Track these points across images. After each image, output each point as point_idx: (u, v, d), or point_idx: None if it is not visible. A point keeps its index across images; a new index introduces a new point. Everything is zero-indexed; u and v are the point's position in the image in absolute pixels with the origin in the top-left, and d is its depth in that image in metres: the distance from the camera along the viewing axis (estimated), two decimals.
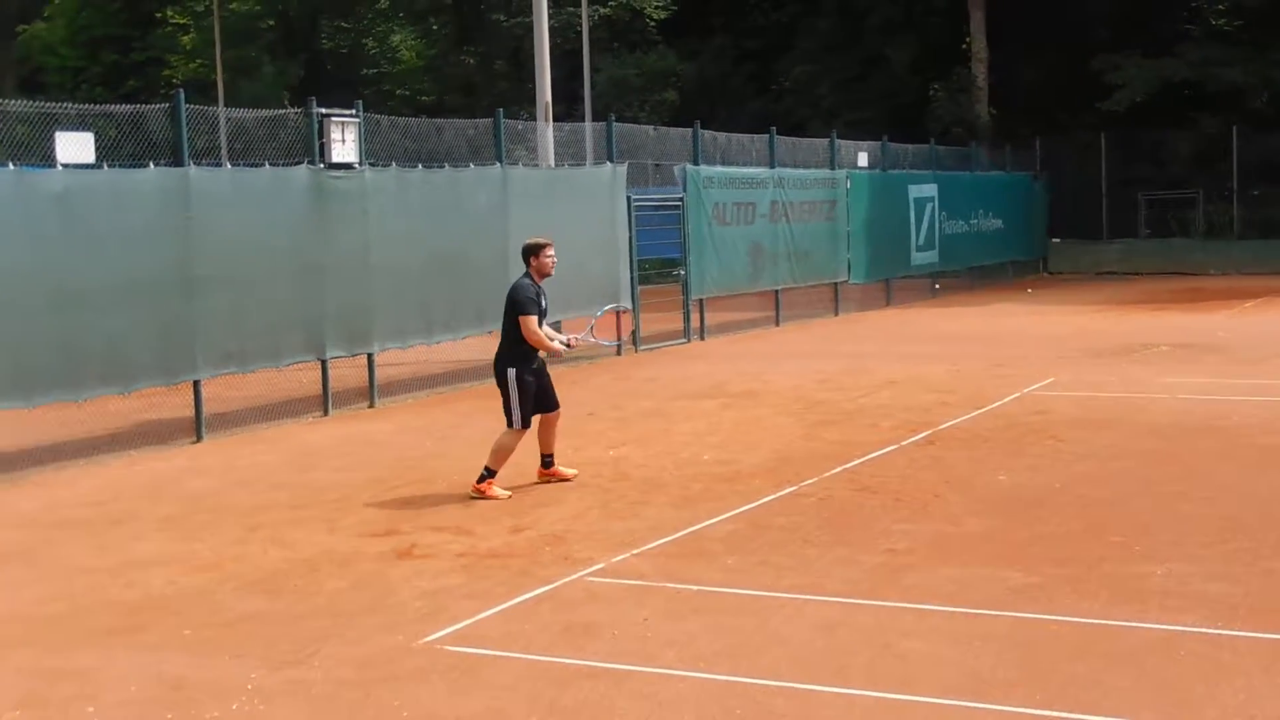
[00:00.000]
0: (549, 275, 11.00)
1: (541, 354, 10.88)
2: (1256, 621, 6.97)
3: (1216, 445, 11.76)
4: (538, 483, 11.04)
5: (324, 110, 15.17)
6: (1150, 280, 32.90)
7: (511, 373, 10.71)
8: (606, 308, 12.36)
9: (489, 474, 10.68)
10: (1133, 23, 39.58)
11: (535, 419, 10.90)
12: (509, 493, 10.63)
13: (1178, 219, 37.00)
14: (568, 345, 11.03)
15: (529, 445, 11.00)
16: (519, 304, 10.67)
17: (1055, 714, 5.87)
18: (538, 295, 10.73)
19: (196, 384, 13.77)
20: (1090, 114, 37.47)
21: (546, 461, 11.19)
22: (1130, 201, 37.41)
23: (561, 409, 11.19)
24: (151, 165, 13.44)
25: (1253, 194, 36.17)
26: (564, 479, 11.11)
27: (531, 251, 10.94)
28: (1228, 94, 35.66)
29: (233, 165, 15.54)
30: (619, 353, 20.28)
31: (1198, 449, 11.63)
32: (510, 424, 10.73)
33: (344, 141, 15.24)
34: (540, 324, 10.71)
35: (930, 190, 30.28)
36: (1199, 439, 12.07)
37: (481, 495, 10.58)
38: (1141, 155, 37.13)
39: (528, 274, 10.90)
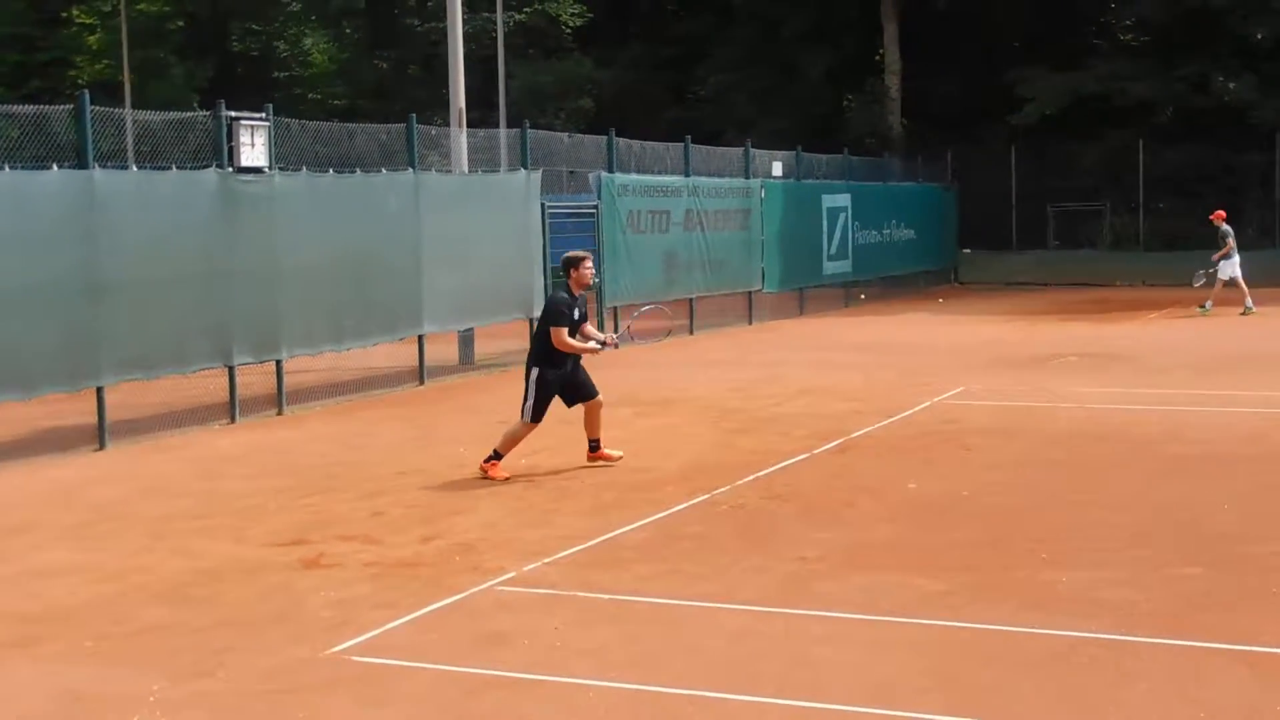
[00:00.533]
0: (587, 285, 11.86)
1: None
2: (1159, 628, 7.06)
3: (1122, 454, 11.92)
4: (585, 465, 11.82)
5: (233, 113, 14.96)
6: (1059, 291, 33.36)
7: (535, 371, 11.67)
8: (646, 308, 13.70)
9: (496, 456, 11.52)
10: (1043, 37, 40.24)
11: (579, 408, 11.87)
12: (508, 475, 11.35)
13: (1086, 231, 37.58)
14: (603, 344, 11.90)
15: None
16: (550, 316, 11.63)
17: None
18: (570, 308, 11.55)
19: (100, 390, 13.49)
20: (1001, 126, 37.98)
21: (593, 445, 11.96)
22: (1040, 213, 37.95)
23: (537, 420, 11.71)
24: (55, 167, 13.18)
25: (1158, 207, 36.83)
26: (610, 461, 11.88)
27: (571, 264, 11.78)
28: (1135, 108, 36.30)
29: (140, 168, 15.28)
30: None
31: (1104, 458, 11.78)
32: (522, 416, 11.64)
33: (254, 145, 15.04)
34: (574, 332, 11.59)
35: (844, 200, 30.52)
36: (1105, 448, 12.23)
37: (485, 475, 11.39)
38: (1051, 167, 37.68)
39: (566, 286, 11.73)
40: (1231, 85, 34.81)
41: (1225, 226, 26.04)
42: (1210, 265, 26.20)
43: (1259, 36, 35.12)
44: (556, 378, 11.66)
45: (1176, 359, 18.63)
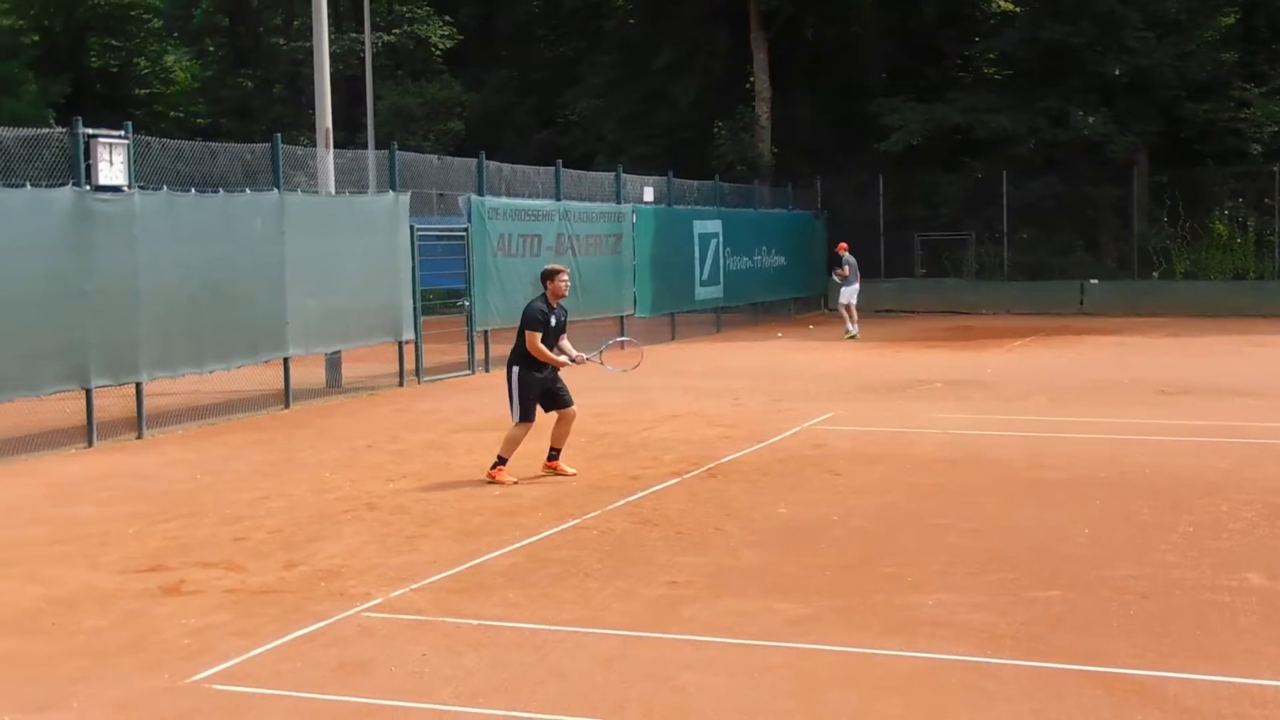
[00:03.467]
0: (564, 296, 12.43)
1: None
2: (1019, 649, 7.17)
3: (983, 479, 12.12)
4: (540, 475, 12.22)
5: (90, 130, 14.62)
6: (925, 318, 33.96)
7: (515, 370, 12.19)
8: (617, 339, 14.35)
9: (501, 461, 12.06)
10: (908, 68, 40.98)
11: (554, 414, 12.33)
12: (516, 479, 11.88)
13: (951, 260, 38.30)
14: (573, 361, 12.37)
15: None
16: (526, 321, 12.18)
17: None
18: (545, 315, 12.17)
19: None
20: (868, 155, 38.57)
21: (553, 454, 12.43)
22: (906, 242, 38.60)
23: (522, 423, 12.17)
24: None
25: (1022, 237, 37.69)
26: (564, 474, 12.28)
27: (547, 276, 12.47)
28: (996, 139, 37.13)
29: None
30: (400, 384, 20.01)
31: (966, 482, 11.97)
32: (514, 419, 12.18)
33: (112, 163, 14.70)
34: (550, 339, 12.16)
35: (714, 226, 30.75)
36: (967, 472, 12.43)
37: (493, 480, 11.89)
38: (917, 196, 38.38)
39: (543, 295, 12.31)
40: (1090, 119, 35.79)
41: (848, 256, 29.09)
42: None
43: (1115, 73, 36.18)
44: (536, 380, 12.19)
45: (1036, 386, 19.03)
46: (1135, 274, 36.13)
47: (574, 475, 12.29)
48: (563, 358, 12.30)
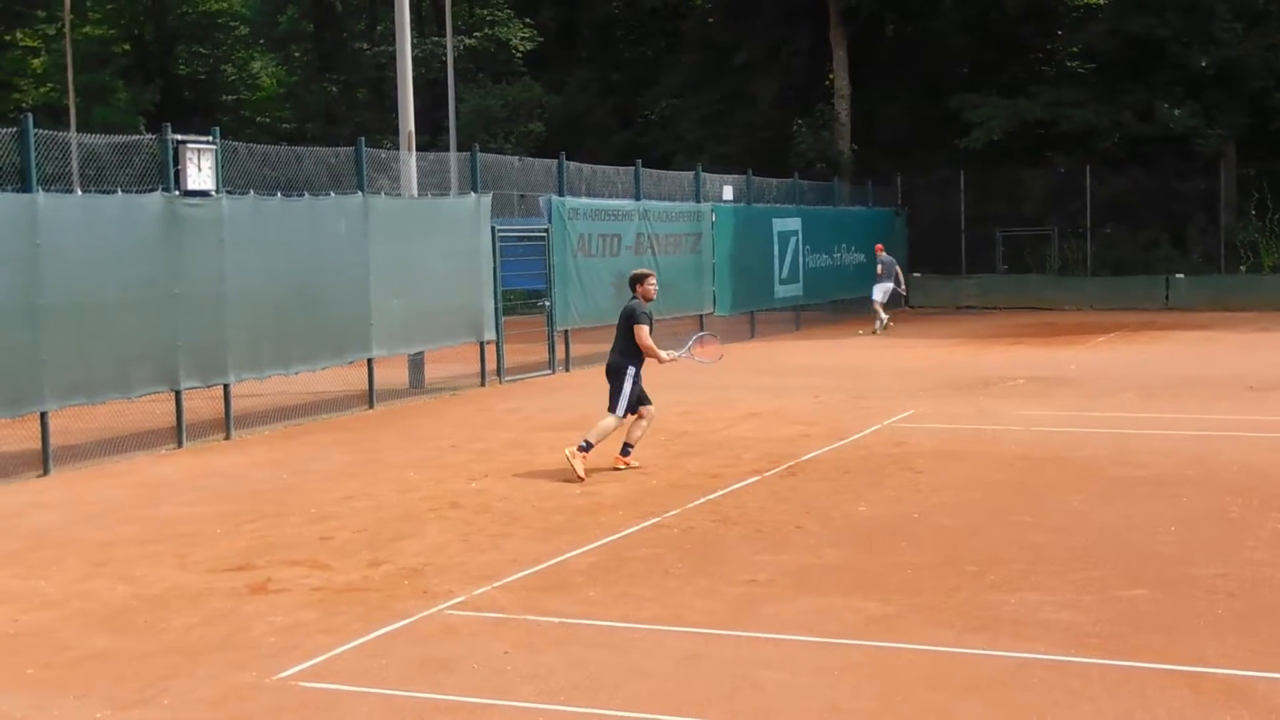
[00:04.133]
0: (652, 299, 13.19)
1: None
2: (1104, 649, 7.11)
3: (1068, 476, 12.00)
4: (617, 471, 12.66)
5: (179, 136, 14.86)
6: (1006, 315, 33.63)
7: (631, 370, 12.81)
8: (699, 335, 15.11)
9: (586, 446, 12.47)
10: (990, 63, 40.60)
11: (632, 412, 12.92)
12: (584, 477, 12.22)
13: (1033, 255, 37.90)
14: (670, 359, 13.11)
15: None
16: (635, 316, 12.85)
17: None
18: (649, 312, 12.98)
19: (43, 415, 13.35)
20: (949, 151, 38.29)
21: (626, 450, 12.86)
22: (988, 237, 38.27)
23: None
24: None
25: (1105, 232, 37.21)
26: (631, 468, 12.74)
27: (637, 280, 13.20)
28: (1080, 134, 36.68)
29: (84, 192, 15.14)
30: (482, 384, 20.16)
31: (1050, 480, 11.86)
32: (614, 411, 12.72)
33: (200, 168, 14.94)
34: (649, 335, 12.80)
35: (794, 224, 30.66)
36: (1051, 470, 12.31)
37: (570, 460, 12.30)
38: (998, 192, 38.01)
39: (635, 297, 13.08)
40: (1176, 112, 35.26)
41: (883, 256, 29.97)
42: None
43: (1202, 64, 35.61)
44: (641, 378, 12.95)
45: (1122, 382, 18.80)
46: (1222, 268, 35.55)
47: (639, 469, 12.75)
48: (663, 355, 12.94)
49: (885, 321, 29.22)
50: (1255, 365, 20.64)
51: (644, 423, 12.97)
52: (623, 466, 12.75)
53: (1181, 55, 35.70)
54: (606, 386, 12.97)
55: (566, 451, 12.51)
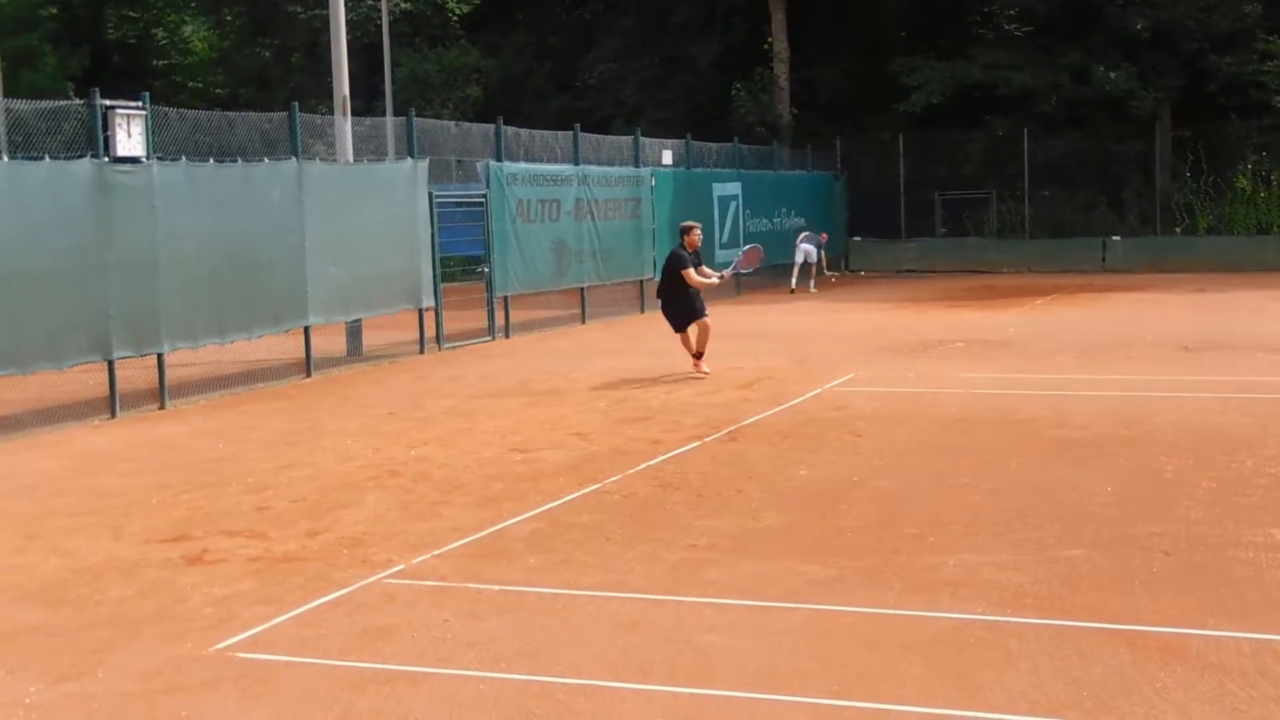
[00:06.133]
0: (698, 247, 16.92)
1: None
2: (1042, 608, 7.16)
3: (1006, 438, 12.09)
4: (690, 374, 16.20)
5: (108, 102, 14.61)
6: (946, 278, 33.83)
7: (664, 306, 16.85)
8: (747, 247, 19.37)
9: (699, 356, 16.42)
10: (928, 26, 40.68)
11: (691, 327, 16.58)
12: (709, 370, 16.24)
13: (972, 219, 38.11)
14: (721, 278, 17.35)
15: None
16: (677, 261, 16.60)
17: (850, 704, 5.92)
18: (692, 254, 16.66)
19: None
20: (888, 115, 38.39)
21: (698, 355, 16.48)
22: (927, 201, 38.44)
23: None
24: None
25: (1043, 194, 37.46)
26: (701, 374, 16.23)
27: (685, 231, 17.01)
28: (1018, 97, 36.87)
29: (11, 159, 14.87)
30: (421, 351, 20.05)
31: (988, 442, 11.94)
32: (701, 315, 16.53)
33: (130, 134, 14.71)
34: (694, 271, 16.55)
35: (734, 189, 30.66)
36: (990, 432, 12.39)
37: (696, 370, 16.33)
38: (937, 156, 38.16)
39: (681, 245, 16.77)
40: (1112, 75, 35.50)
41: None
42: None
43: (1138, 27, 35.85)
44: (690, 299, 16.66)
45: (1059, 344, 18.95)
46: (1158, 230, 35.92)
47: (708, 374, 16.16)
48: (713, 279, 16.88)
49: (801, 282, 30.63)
50: (1191, 326, 20.87)
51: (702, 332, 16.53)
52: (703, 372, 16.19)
53: (1118, 17, 35.94)
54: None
55: (689, 367, 16.32)
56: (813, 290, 30.26)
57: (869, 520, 9.22)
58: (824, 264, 31.92)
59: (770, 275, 32.54)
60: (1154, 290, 28.02)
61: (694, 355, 16.43)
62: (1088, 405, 13.68)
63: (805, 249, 30.88)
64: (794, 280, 30.74)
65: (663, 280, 16.86)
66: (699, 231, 16.84)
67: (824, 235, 32.15)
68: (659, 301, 16.90)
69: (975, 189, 37.99)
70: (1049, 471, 10.64)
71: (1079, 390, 14.74)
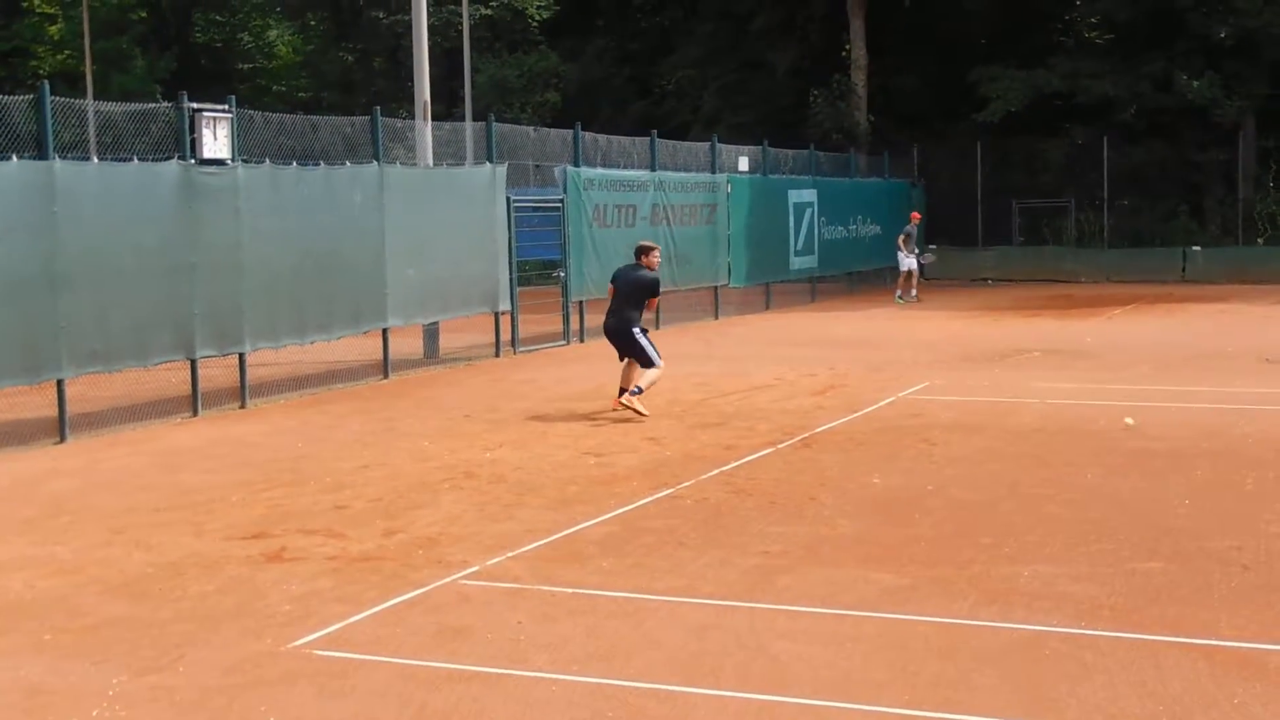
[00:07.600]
0: (654, 268, 14.94)
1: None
2: (1119, 621, 7.11)
3: (1083, 449, 11.98)
4: (623, 416, 13.95)
5: (195, 105, 14.86)
6: (1023, 287, 33.53)
7: (638, 330, 14.41)
8: (932, 246, 18.58)
9: (638, 391, 14.02)
10: (1007, 34, 40.35)
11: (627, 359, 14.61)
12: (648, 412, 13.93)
13: (1050, 227, 37.75)
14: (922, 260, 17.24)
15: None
16: (659, 284, 14.99)
17: (922, 714, 5.92)
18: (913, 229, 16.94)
19: (60, 383, 13.40)
20: (966, 123, 38.10)
21: (626, 392, 14.15)
22: (1005, 209, 38.13)
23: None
24: (14, 158, 13.05)
25: (1122, 203, 37.05)
26: (635, 411, 13.94)
27: (646, 251, 14.81)
28: (1098, 105, 36.48)
29: (101, 160, 15.16)
30: (497, 354, 20.18)
31: (1065, 452, 11.84)
32: (657, 363, 14.27)
33: (216, 137, 14.95)
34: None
35: (810, 195, 30.57)
36: (1067, 442, 12.29)
37: (630, 406, 13.89)
38: (1016, 164, 37.86)
39: (642, 266, 14.70)
40: (1194, 83, 35.04)
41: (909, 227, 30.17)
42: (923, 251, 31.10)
43: (1221, 35, 35.36)
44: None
45: (1138, 355, 18.75)
46: (1240, 240, 35.38)
47: (646, 416, 13.92)
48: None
49: (908, 295, 29.39)
50: (1272, 338, 20.56)
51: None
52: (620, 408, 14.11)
53: (1201, 25, 35.44)
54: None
55: (622, 400, 13.99)
56: (913, 298, 29.39)
57: (943, 529, 9.18)
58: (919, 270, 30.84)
59: (845, 283, 32.45)
60: (1235, 301, 27.61)
61: (622, 391, 14.30)
62: (1166, 417, 13.52)
63: (908, 263, 29.78)
64: (911, 292, 29.54)
65: (637, 306, 14.63)
66: (657, 255, 14.91)
67: (915, 215, 31.16)
68: (606, 319, 14.77)
69: (1054, 197, 37.64)
70: (1126, 483, 10.54)
71: (1157, 401, 14.57)
